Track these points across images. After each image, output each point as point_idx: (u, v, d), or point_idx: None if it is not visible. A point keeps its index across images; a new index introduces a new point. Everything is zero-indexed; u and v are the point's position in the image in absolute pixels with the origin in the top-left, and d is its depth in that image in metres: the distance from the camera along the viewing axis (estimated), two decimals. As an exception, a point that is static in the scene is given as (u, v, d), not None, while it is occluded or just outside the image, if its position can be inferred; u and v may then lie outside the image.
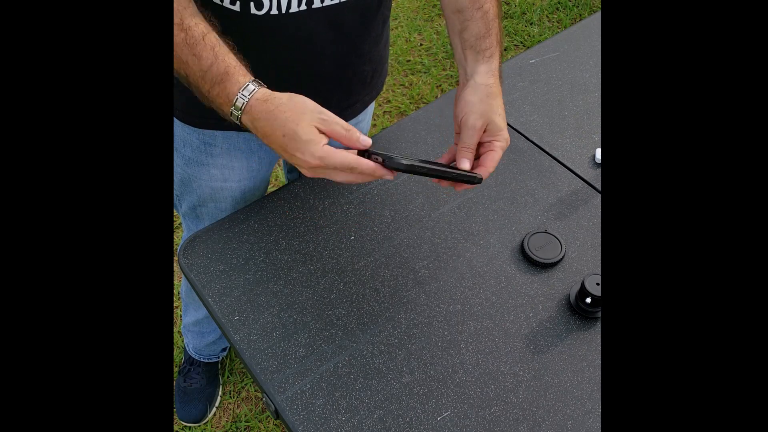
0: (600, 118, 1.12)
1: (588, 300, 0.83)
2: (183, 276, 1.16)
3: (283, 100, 0.67)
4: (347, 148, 0.68)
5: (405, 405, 0.77)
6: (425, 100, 2.29)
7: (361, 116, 1.06)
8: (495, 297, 0.87)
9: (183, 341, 1.57)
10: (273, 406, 0.77)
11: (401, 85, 2.35)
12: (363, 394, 0.77)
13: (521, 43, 2.51)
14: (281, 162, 1.23)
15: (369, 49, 0.92)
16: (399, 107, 2.27)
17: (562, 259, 0.91)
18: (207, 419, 1.55)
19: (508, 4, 2.66)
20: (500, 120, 0.77)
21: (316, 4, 0.78)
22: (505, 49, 2.47)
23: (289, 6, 0.77)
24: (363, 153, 0.68)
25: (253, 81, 0.69)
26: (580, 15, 2.63)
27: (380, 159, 0.67)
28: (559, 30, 2.56)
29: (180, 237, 1.75)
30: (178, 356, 1.62)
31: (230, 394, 1.61)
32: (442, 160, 0.80)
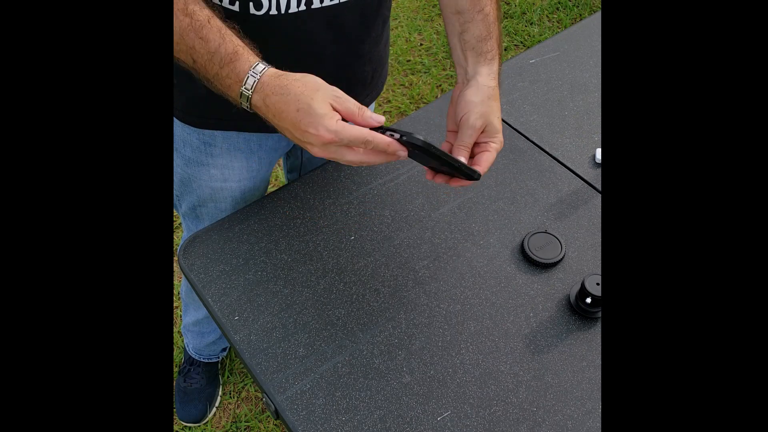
0: (600, 118, 1.12)
1: (588, 300, 0.83)
2: (183, 276, 1.16)
3: (296, 76, 0.67)
4: None
5: (405, 405, 0.77)
6: (425, 100, 2.29)
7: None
8: (495, 297, 0.87)
9: (183, 341, 1.57)
10: (273, 406, 0.77)
11: (401, 85, 2.35)
12: (363, 394, 0.77)
13: (521, 43, 2.51)
14: (281, 162, 1.23)
15: (369, 49, 0.92)
16: (399, 107, 2.27)
17: (562, 259, 0.91)
18: (207, 419, 1.55)
19: (508, 4, 2.66)
20: (498, 122, 0.79)
21: (316, 4, 0.78)
22: (505, 49, 2.47)
23: (288, 6, 0.77)
24: (376, 131, 0.68)
25: (262, 61, 0.68)
26: (580, 15, 2.63)
27: (396, 135, 0.66)
28: (559, 30, 2.56)
29: (180, 237, 1.75)
30: (178, 356, 1.62)
31: (230, 394, 1.61)
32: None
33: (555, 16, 2.63)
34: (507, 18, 2.61)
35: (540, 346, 0.82)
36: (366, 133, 0.65)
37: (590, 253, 0.93)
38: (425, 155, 0.69)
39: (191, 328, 1.44)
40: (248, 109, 0.70)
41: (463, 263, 0.90)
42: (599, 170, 1.04)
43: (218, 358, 1.57)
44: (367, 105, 1.03)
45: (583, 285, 0.83)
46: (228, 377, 1.63)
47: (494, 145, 0.78)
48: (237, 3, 0.76)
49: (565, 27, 2.58)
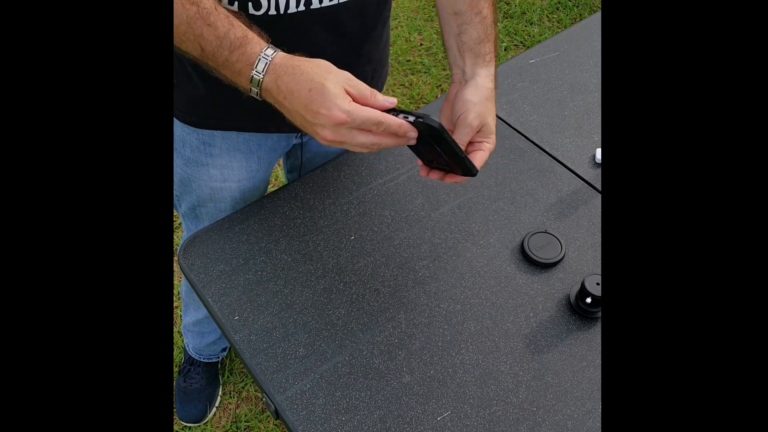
0: (600, 118, 1.12)
1: (588, 300, 0.83)
2: (183, 276, 1.16)
3: (308, 59, 0.67)
4: None
5: (405, 405, 0.77)
6: (425, 100, 2.29)
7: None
8: (495, 297, 0.87)
9: (183, 341, 1.57)
10: (273, 406, 0.77)
11: (401, 85, 2.35)
12: (363, 394, 0.77)
13: (521, 43, 2.51)
14: (281, 162, 1.23)
15: (369, 49, 0.92)
16: (399, 107, 2.27)
17: (562, 259, 0.91)
18: (207, 419, 1.55)
19: (508, 4, 2.66)
20: (493, 124, 0.79)
21: (315, 4, 0.78)
22: (504, 49, 2.47)
23: (287, 6, 0.77)
24: (389, 113, 0.67)
25: (272, 45, 0.68)
26: (580, 15, 2.63)
27: (411, 118, 0.65)
28: (559, 30, 2.56)
29: (180, 237, 1.75)
30: (178, 356, 1.62)
31: (230, 394, 1.61)
32: (420, 161, 0.80)
33: (555, 16, 2.63)
34: (507, 18, 2.61)
35: (540, 346, 0.82)
36: (378, 114, 0.64)
37: (590, 253, 0.93)
38: (432, 142, 0.68)
39: (191, 328, 1.44)
40: (257, 96, 0.69)
41: (463, 263, 0.90)
42: (599, 170, 1.04)
43: (218, 358, 1.57)
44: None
45: (583, 285, 0.83)
46: (228, 377, 1.63)
47: (488, 145, 0.79)
48: (236, 3, 0.76)
49: (565, 27, 2.58)
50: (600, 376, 0.80)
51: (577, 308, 0.85)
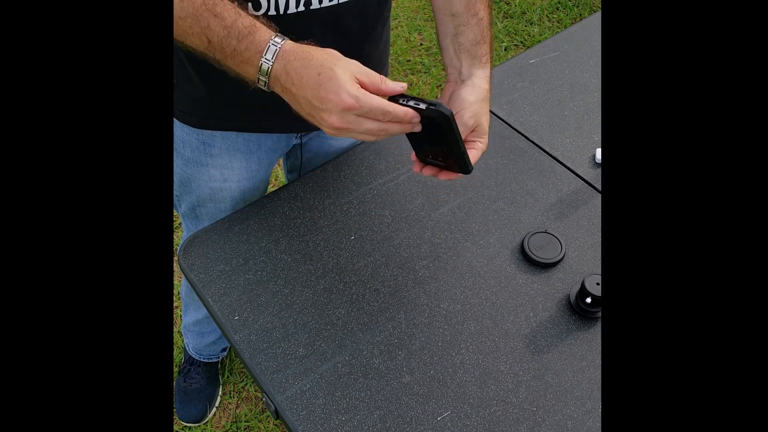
0: (600, 118, 1.12)
1: (588, 300, 0.83)
2: (183, 276, 1.16)
3: (318, 47, 0.66)
4: None
5: (405, 405, 0.77)
6: (425, 100, 2.28)
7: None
8: (495, 297, 0.87)
9: (183, 341, 1.57)
10: (273, 406, 0.77)
11: (401, 85, 2.35)
12: (363, 394, 0.77)
13: (521, 43, 2.51)
14: (281, 162, 1.22)
15: (369, 49, 0.92)
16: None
17: (562, 259, 0.91)
18: (207, 419, 1.55)
19: (508, 4, 2.66)
20: (486, 124, 0.80)
21: (315, 5, 0.78)
22: (505, 49, 2.47)
23: (287, 7, 0.77)
24: (399, 99, 0.67)
25: (280, 33, 0.68)
26: (580, 15, 2.63)
27: (422, 105, 0.65)
28: (559, 30, 2.56)
29: (180, 237, 1.75)
30: (178, 356, 1.62)
31: (230, 394, 1.61)
32: (414, 156, 0.80)
33: (555, 16, 2.63)
34: (507, 18, 2.61)
35: (540, 346, 0.82)
36: (386, 104, 0.64)
37: (590, 253, 0.92)
38: (439, 131, 0.68)
39: (191, 328, 1.44)
40: (263, 86, 0.68)
41: (463, 263, 0.90)
42: (599, 170, 1.04)
43: (218, 358, 1.57)
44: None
45: (583, 285, 0.83)
46: (228, 377, 1.63)
47: (480, 145, 0.79)
48: (235, 3, 0.76)
49: (565, 27, 2.58)
50: (600, 376, 0.80)
51: (577, 308, 0.85)
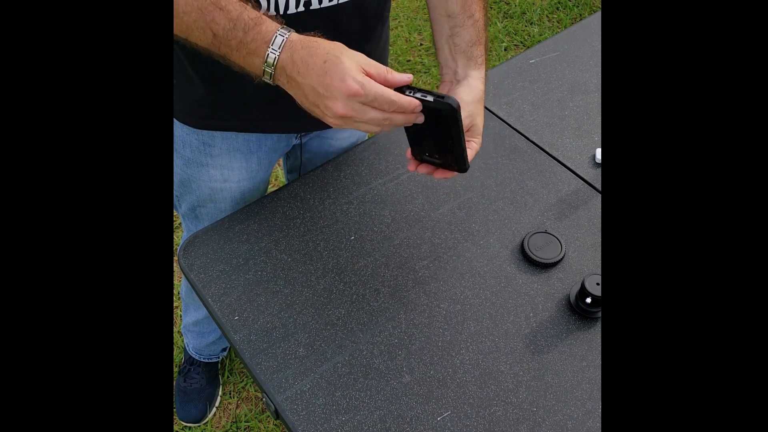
0: (600, 118, 1.12)
1: (588, 300, 0.83)
2: (183, 276, 1.16)
3: (325, 39, 0.66)
4: None
5: (405, 405, 0.77)
6: (425, 100, 2.28)
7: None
8: (495, 297, 0.87)
9: (183, 341, 1.57)
10: (273, 406, 0.77)
11: (401, 85, 2.35)
12: (363, 394, 0.77)
13: (521, 43, 2.51)
14: (281, 162, 1.23)
15: (369, 49, 0.91)
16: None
17: (562, 259, 0.91)
18: (207, 419, 1.55)
19: (508, 4, 2.66)
20: (481, 125, 0.80)
21: (314, 5, 0.78)
22: (505, 49, 2.47)
23: (287, 7, 0.77)
24: (405, 90, 0.67)
25: (286, 26, 0.67)
26: (580, 15, 2.63)
27: (429, 97, 0.65)
28: (559, 30, 2.56)
29: (180, 237, 1.75)
30: (178, 356, 1.62)
31: (230, 394, 1.61)
32: (409, 153, 0.80)
33: (555, 16, 2.63)
34: (507, 18, 2.61)
35: (540, 346, 0.82)
36: (391, 93, 0.64)
37: (590, 253, 0.93)
38: (443, 123, 0.68)
39: (191, 328, 1.44)
40: (268, 79, 0.68)
41: (463, 263, 0.90)
42: (599, 170, 1.04)
43: (218, 358, 1.57)
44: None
45: (583, 285, 0.83)
46: (228, 377, 1.63)
47: (474, 145, 0.79)
48: None
49: (565, 27, 2.58)
50: (600, 376, 0.80)
51: (577, 308, 0.85)
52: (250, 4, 0.71)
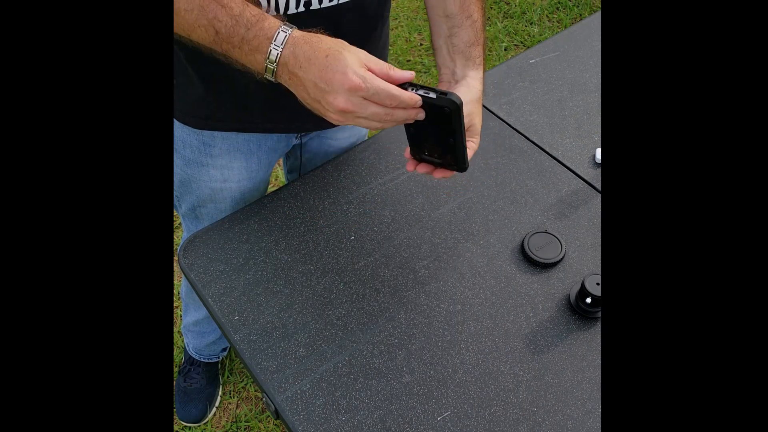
0: (600, 118, 1.12)
1: (588, 300, 0.83)
2: (183, 276, 1.16)
3: (328, 36, 0.66)
4: None
5: (405, 405, 0.77)
6: (425, 100, 2.28)
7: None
8: (495, 297, 0.87)
9: (183, 341, 1.57)
10: (273, 406, 0.77)
11: (401, 85, 2.35)
12: (363, 394, 0.77)
13: (521, 43, 2.51)
14: (281, 162, 1.23)
15: (369, 49, 0.91)
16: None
17: (562, 259, 0.91)
18: (207, 419, 1.55)
19: (508, 4, 2.66)
20: (479, 124, 0.80)
21: (315, 5, 0.78)
22: (505, 49, 2.47)
23: (287, 7, 0.77)
24: (407, 86, 0.67)
25: (289, 23, 0.68)
26: (581, 15, 2.63)
27: (432, 94, 0.65)
28: (559, 30, 2.56)
29: (180, 237, 1.75)
30: (178, 356, 1.62)
31: (230, 394, 1.61)
32: (407, 153, 0.80)
33: (555, 16, 2.63)
34: (507, 18, 2.61)
35: (540, 346, 0.82)
36: (392, 87, 0.64)
37: (590, 253, 0.93)
38: (442, 123, 0.68)
39: (191, 328, 1.44)
40: (271, 75, 0.68)
41: (463, 263, 0.90)
42: (599, 170, 1.04)
43: (218, 358, 1.57)
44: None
45: (583, 285, 0.83)
46: (228, 377, 1.63)
47: (473, 145, 0.79)
48: None
49: (565, 27, 2.58)
50: (600, 376, 0.80)
51: (577, 308, 0.85)
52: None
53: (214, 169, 0.99)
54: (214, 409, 1.58)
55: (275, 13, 0.77)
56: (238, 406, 1.59)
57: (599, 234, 0.95)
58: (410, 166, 0.78)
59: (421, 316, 0.85)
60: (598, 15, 1.36)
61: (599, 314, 0.85)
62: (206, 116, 0.92)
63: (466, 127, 0.78)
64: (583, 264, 0.91)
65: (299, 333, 0.82)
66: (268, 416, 1.57)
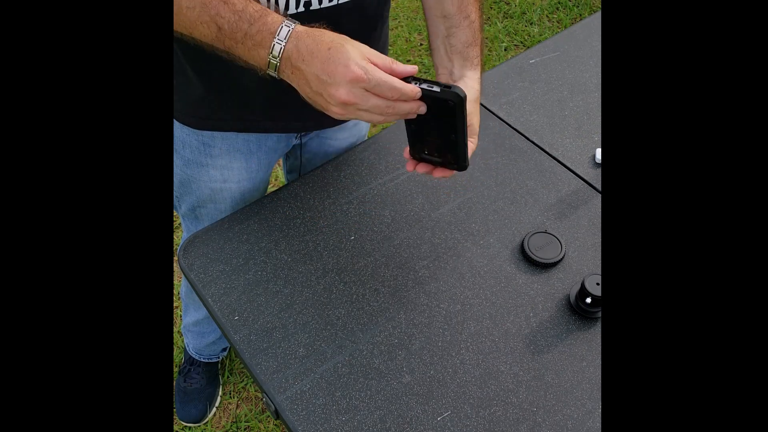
0: (600, 118, 1.12)
1: (588, 300, 0.83)
2: (183, 276, 1.16)
3: (330, 31, 0.67)
4: None
5: (405, 405, 0.77)
6: (425, 100, 2.28)
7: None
8: (495, 297, 0.87)
9: (183, 341, 1.57)
10: (273, 406, 0.77)
11: (401, 85, 2.35)
12: (363, 394, 0.77)
13: (521, 43, 2.51)
14: (281, 162, 1.23)
15: (368, 49, 0.92)
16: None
17: (562, 259, 0.91)
18: (207, 419, 1.55)
19: (508, 4, 2.66)
20: (477, 124, 0.80)
21: (314, 5, 0.78)
22: (505, 49, 2.47)
23: (287, 8, 0.77)
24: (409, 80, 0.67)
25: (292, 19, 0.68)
26: (580, 15, 2.63)
27: (435, 88, 0.65)
28: (559, 30, 2.56)
29: (180, 237, 1.75)
30: (178, 356, 1.62)
31: (230, 394, 1.61)
32: (407, 153, 0.79)
33: (555, 16, 2.63)
34: (507, 18, 2.61)
35: (540, 346, 0.82)
36: (395, 79, 0.64)
37: (590, 253, 0.93)
38: (445, 117, 0.67)
39: (191, 329, 1.44)
40: (273, 71, 0.68)
41: (463, 263, 0.90)
42: (599, 170, 1.04)
43: (218, 358, 1.57)
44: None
45: (583, 285, 0.83)
46: (228, 377, 1.63)
47: (471, 145, 0.79)
48: None
49: (565, 27, 2.58)
50: (600, 376, 0.80)
51: (577, 308, 0.85)
52: None
53: (213, 170, 0.99)
54: (214, 409, 1.58)
55: (275, 13, 0.77)
56: (238, 406, 1.59)
57: (599, 234, 0.95)
58: (410, 166, 0.78)
59: (421, 316, 0.85)
60: (598, 15, 1.36)
61: (599, 314, 0.85)
62: (206, 116, 0.92)
63: None
64: (583, 264, 0.91)
65: (299, 333, 0.82)
66: (268, 416, 1.57)
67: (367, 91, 0.63)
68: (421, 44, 2.50)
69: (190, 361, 1.54)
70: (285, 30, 0.65)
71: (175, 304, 1.70)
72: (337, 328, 0.83)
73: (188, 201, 1.05)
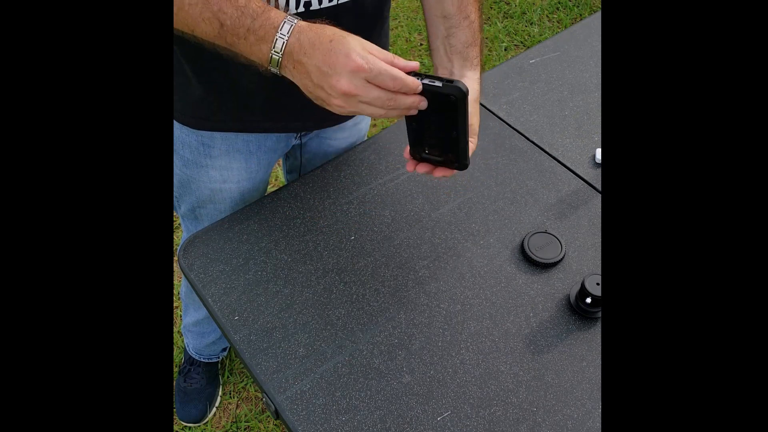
0: (600, 118, 1.12)
1: (588, 300, 0.83)
2: (183, 276, 1.16)
3: (333, 27, 0.67)
4: None
5: (405, 405, 0.77)
6: (425, 100, 2.28)
7: (361, 116, 1.06)
8: (495, 297, 0.87)
9: (183, 341, 1.57)
10: (273, 406, 0.77)
11: (401, 85, 2.35)
12: (363, 394, 0.77)
13: (521, 43, 2.51)
14: (281, 162, 1.23)
15: (369, 49, 0.92)
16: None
17: (562, 259, 0.91)
18: (207, 419, 1.55)
19: (508, 4, 2.66)
20: (477, 125, 0.80)
21: (314, 5, 0.78)
22: (505, 49, 2.47)
23: (287, 8, 0.77)
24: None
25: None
26: (581, 15, 2.63)
27: (437, 83, 0.64)
28: (559, 30, 2.56)
29: (180, 237, 1.75)
30: (178, 356, 1.63)
31: (230, 394, 1.61)
32: (407, 153, 0.79)
33: (555, 16, 2.63)
34: (507, 18, 2.61)
35: (540, 346, 0.82)
36: (396, 70, 0.64)
37: (590, 253, 0.93)
38: (447, 113, 0.67)
39: (191, 329, 1.44)
40: (275, 67, 0.67)
41: (463, 263, 0.90)
42: (599, 170, 1.04)
43: (218, 358, 1.57)
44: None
45: (583, 285, 0.83)
46: (228, 377, 1.63)
47: (471, 145, 0.79)
48: None
49: (565, 27, 2.58)
50: (600, 376, 0.80)
51: (577, 308, 0.85)
52: None
53: (213, 170, 0.99)
54: (214, 409, 1.58)
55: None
56: (238, 406, 1.59)
57: (599, 234, 0.95)
58: (410, 166, 0.78)
59: (421, 316, 0.85)
60: (598, 15, 1.36)
61: (599, 314, 0.85)
62: (205, 117, 0.92)
63: None
64: (583, 264, 0.91)
65: (299, 333, 0.82)
66: (268, 416, 1.57)
67: (368, 82, 0.63)
68: (421, 44, 2.50)
69: (190, 361, 1.54)
70: (288, 25, 0.65)
71: (175, 304, 1.70)
72: (337, 328, 0.83)
73: (188, 201, 1.05)
